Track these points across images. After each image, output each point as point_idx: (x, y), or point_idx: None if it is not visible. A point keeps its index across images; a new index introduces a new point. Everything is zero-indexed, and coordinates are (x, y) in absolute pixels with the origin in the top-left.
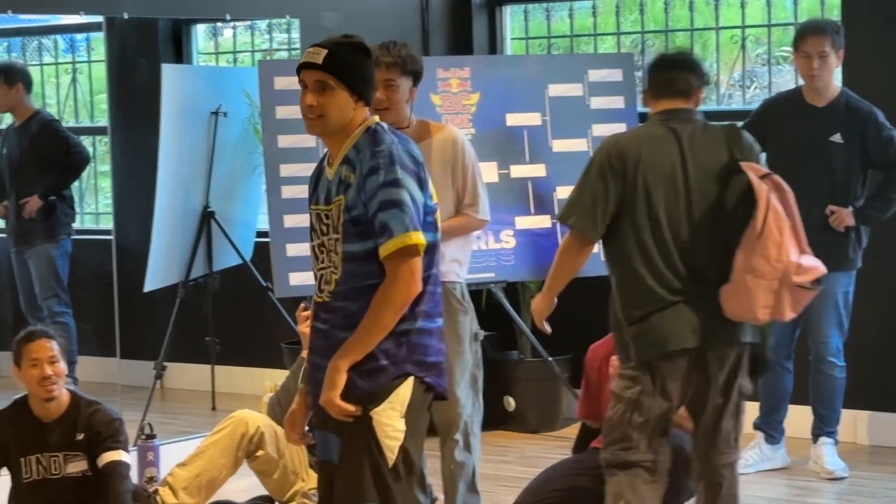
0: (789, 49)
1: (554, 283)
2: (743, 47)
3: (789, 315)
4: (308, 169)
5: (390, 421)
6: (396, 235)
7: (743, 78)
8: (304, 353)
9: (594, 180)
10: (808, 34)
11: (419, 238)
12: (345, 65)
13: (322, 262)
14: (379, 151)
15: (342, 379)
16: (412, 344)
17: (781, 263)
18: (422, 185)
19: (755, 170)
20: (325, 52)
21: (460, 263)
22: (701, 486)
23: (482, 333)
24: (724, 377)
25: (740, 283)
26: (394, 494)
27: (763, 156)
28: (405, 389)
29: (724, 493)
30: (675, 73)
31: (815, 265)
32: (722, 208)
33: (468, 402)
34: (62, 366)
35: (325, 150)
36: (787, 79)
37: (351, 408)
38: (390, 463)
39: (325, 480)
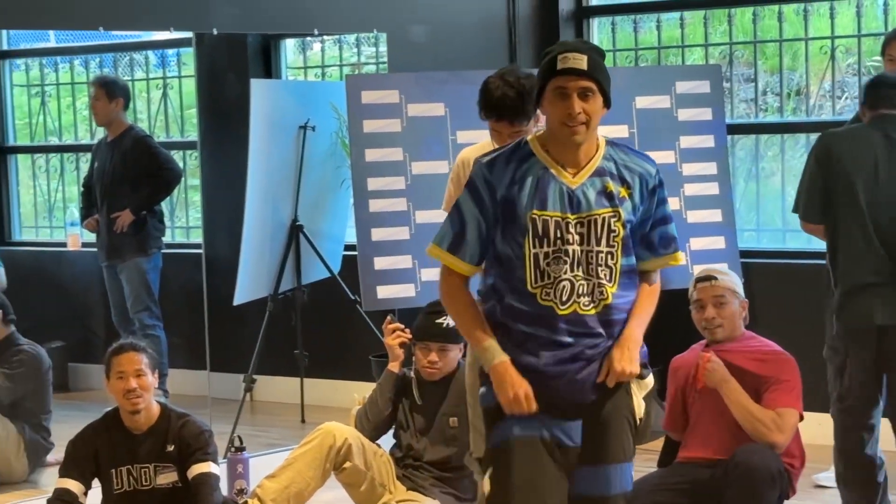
0: (880, 59)
1: None
2: (832, 58)
3: None
4: (395, 182)
5: (640, 396)
6: (679, 249)
7: (833, 88)
8: (392, 366)
9: (808, 171)
10: (894, 38)
11: None
12: (603, 70)
13: (586, 273)
14: (657, 168)
15: None
16: None
17: None
18: None
19: None
20: (585, 57)
21: None
22: None
23: None
24: None
25: None
26: (634, 452)
27: None
28: (651, 378)
29: None
30: (891, 89)
31: None
32: None
33: None
34: (149, 379)
35: (508, 152)
36: None
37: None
38: (636, 426)
39: None
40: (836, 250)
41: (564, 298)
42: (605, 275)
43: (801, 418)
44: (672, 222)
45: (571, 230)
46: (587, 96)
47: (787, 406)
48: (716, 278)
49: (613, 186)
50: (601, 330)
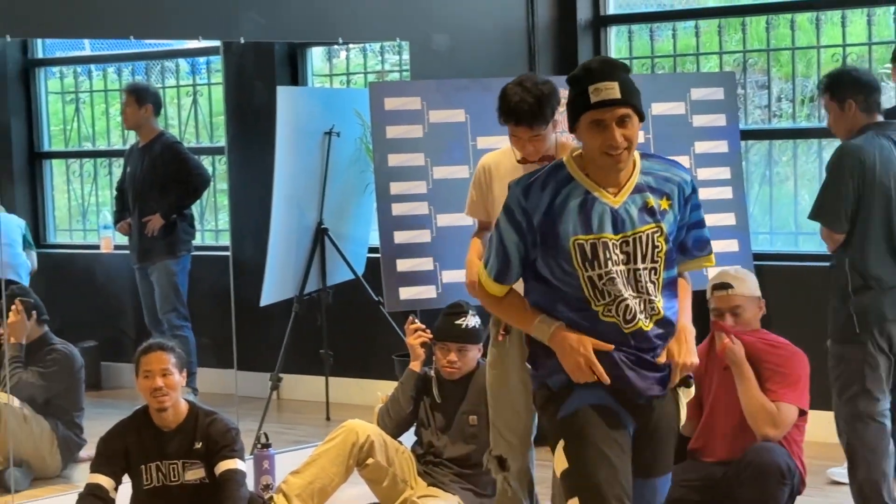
0: (890, 66)
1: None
2: (844, 65)
3: None
4: (417, 187)
5: (684, 403)
6: (712, 251)
7: None
8: (413, 365)
9: (836, 182)
10: None
11: None
12: (634, 89)
13: (635, 291)
14: (691, 175)
15: None
16: None
17: None
18: None
19: None
20: (616, 84)
21: None
22: None
23: None
24: None
25: None
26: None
27: None
28: (694, 386)
29: None
30: (880, 95)
31: None
32: None
33: None
34: (176, 378)
35: (544, 176)
36: (889, 96)
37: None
38: (678, 431)
39: None
40: (865, 257)
41: (629, 318)
42: (652, 290)
43: (804, 413)
44: (706, 226)
45: (617, 250)
46: (625, 122)
47: (789, 402)
48: (731, 286)
49: (654, 201)
50: (661, 343)
